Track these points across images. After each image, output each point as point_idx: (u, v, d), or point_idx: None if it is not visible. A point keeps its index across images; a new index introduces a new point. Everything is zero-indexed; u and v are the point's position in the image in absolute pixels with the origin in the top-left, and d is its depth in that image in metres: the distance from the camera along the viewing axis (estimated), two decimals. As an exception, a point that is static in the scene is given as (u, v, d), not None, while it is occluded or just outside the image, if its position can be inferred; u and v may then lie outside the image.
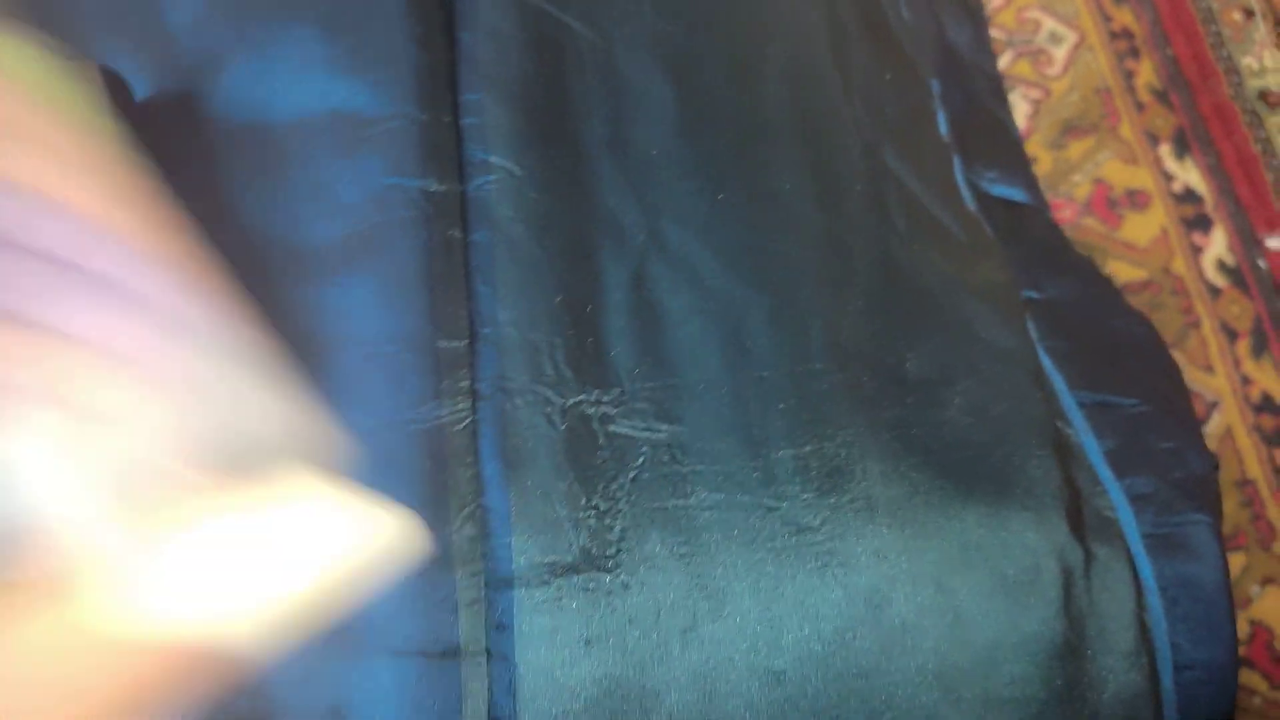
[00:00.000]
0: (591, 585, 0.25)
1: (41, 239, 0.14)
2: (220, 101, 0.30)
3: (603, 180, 0.30)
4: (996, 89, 0.47)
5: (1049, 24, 0.78)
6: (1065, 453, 0.32)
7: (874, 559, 0.26)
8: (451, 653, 0.24)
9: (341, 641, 0.24)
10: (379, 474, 0.26)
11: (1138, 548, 0.33)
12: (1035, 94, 0.75)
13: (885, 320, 0.30)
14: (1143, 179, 0.73)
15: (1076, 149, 0.75)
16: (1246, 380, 0.69)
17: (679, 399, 0.27)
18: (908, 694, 0.26)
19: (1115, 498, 0.33)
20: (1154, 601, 0.32)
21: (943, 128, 0.39)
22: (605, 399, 0.27)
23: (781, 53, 0.33)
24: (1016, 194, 0.42)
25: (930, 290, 0.31)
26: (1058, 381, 0.35)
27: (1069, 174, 0.75)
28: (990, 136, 0.43)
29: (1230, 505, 0.62)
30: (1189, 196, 0.73)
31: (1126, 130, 0.74)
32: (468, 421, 0.26)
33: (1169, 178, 0.74)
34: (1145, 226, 0.72)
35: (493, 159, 0.29)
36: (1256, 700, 0.61)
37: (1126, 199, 0.73)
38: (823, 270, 0.30)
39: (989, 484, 0.28)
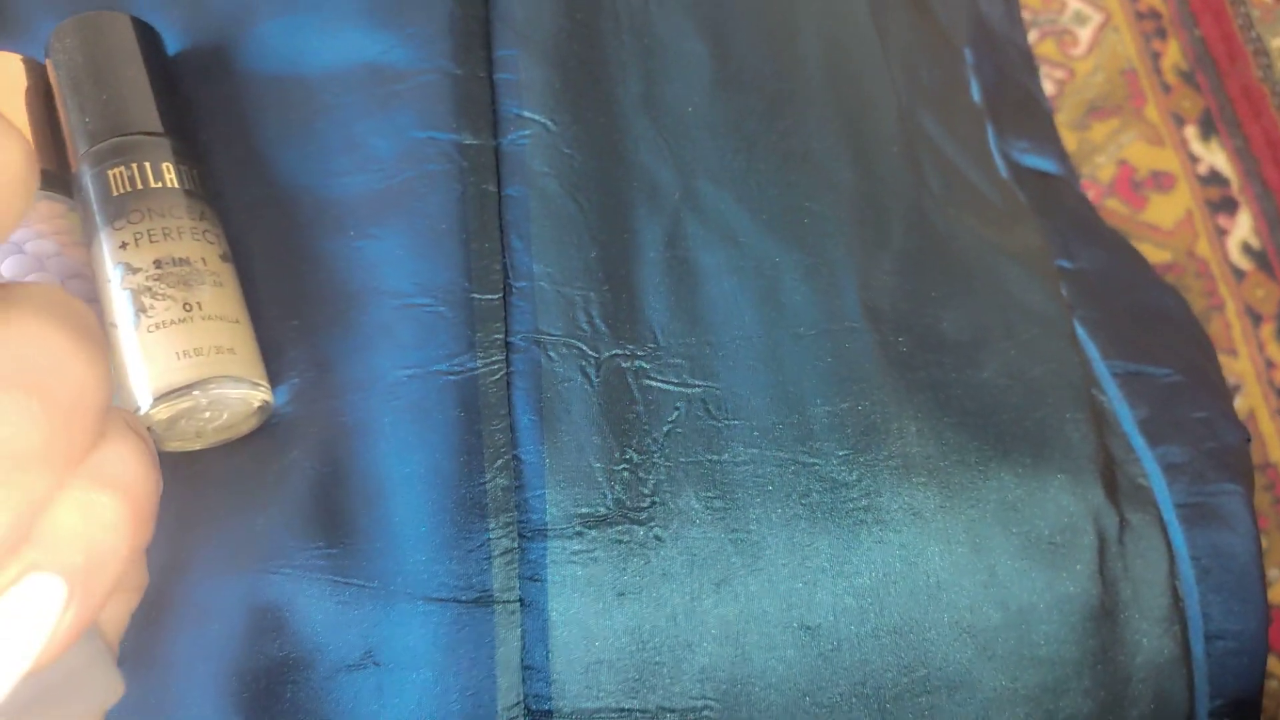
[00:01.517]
0: (625, 537, 0.25)
1: None
2: (252, 54, 0.30)
3: (637, 138, 0.29)
4: (1028, 62, 0.47)
5: (1074, 4, 0.77)
6: (1100, 419, 0.32)
7: (909, 516, 0.26)
8: (485, 600, 0.24)
9: (375, 588, 0.24)
10: (412, 423, 0.26)
11: (1170, 516, 0.32)
12: (1060, 74, 0.75)
13: (921, 281, 0.29)
14: (1168, 161, 0.73)
15: (1101, 130, 0.74)
16: (1270, 364, 0.68)
17: (714, 355, 0.27)
18: (941, 650, 0.26)
19: (1148, 466, 0.33)
20: (1186, 570, 0.32)
21: (976, 96, 0.39)
22: (640, 353, 0.27)
23: (818, 13, 0.32)
24: (1048, 165, 0.42)
25: (966, 252, 0.31)
26: (1090, 350, 0.34)
27: (1093, 155, 0.74)
28: (1022, 108, 0.42)
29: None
30: (1215, 179, 0.72)
31: (1152, 111, 0.74)
32: (501, 374, 0.26)
33: (1194, 160, 0.73)
34: (1170, 209, 0.71)
35: (527, 114, 0.29)
36: (1273, 683, 0.61)
37: (1151, 181, 0.73)
38: (857, 230, 0.29)
39: (1026, 445, 0.28)
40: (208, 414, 0.26)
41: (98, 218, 0.26)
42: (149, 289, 0.25)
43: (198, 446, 0.26)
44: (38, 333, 0.14)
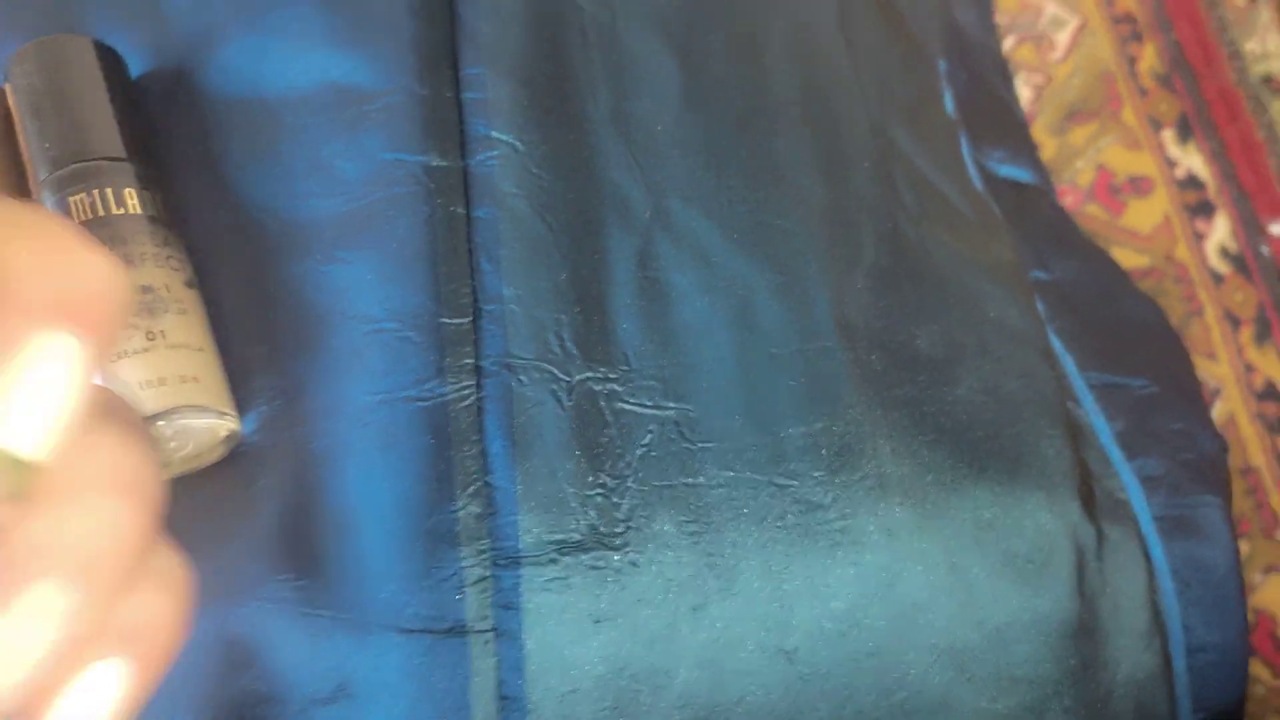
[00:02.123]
0: (600, 563, 0.25)
1: None
2: (217, 77, 0.30)
3: (607, 156, 0.29)
4: (1002, 70, 0.47)
5: (1051, 9, 0.77)
6: (1076, 433, 0.32)
7: (885, 537, 0.26)
8: (459, 630, 0.24)
9: (346, 620, 0.24)
10: (382, 450, 0.25)
11: (1149, 529, 0.32)
12: (1038, 79, 0.75)
13: (894, 297, 0.29)
14: (1145, 165, 0.73)
15: (1079, 134, 0.74)
16: (1249, 368, 0.68)
17: (687, 376, 0.27)
18: (920, 672, 0.25)
19: (1126, 479, 0.33)
20: (1165, 584, 0.32)
21: (949, 107, 0.39)
22: (612, 376, 0.27)
23: (787, 28, 0.32)
24: (1023, 175, 0.42)
25: (940, 268, 0.30)
26: (1067, 362, 0.34)
27: (1072, 159, 0.74)
28: (997, 117, 0.42)
29: (1233, 493, 0.61)
30: (1192, 183, 0.72)
31: (1129, 116, 0.74)
32: (472, 399, 0.26)
33: (1172, 164, 0.73)
34: (1148, 213, 0.71)
35: (495, 134, 0.28)
36: (1259, 689, 0.61)
37: (1129, 185, 0.73)
38: (830, 247, 0.29)
39: (1002, 462, 0.28)
40: (173, 444, 0.25)
41: None
42: None
43: (164, 477, 0.26)
44: None
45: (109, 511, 0.15)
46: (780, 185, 0.29)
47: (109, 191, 0.27)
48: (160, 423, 0.24)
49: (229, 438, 0.26)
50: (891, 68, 0.34)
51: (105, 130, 0.28)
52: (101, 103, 0.28)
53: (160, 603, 0.16)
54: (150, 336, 0.25)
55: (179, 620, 0.17)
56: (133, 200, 0.27)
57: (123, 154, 0.27)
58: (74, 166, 0.27)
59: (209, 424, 0.25)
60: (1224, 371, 0.67)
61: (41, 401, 0.14)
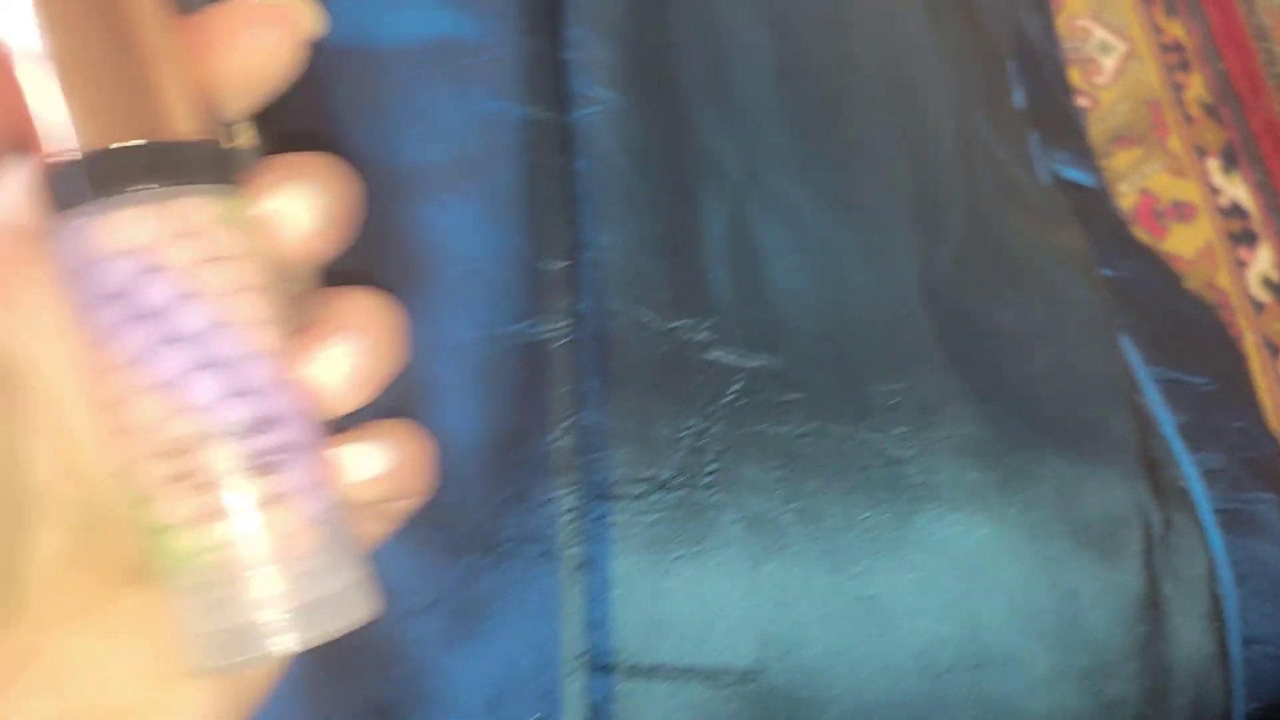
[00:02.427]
0: (687, 501, 0.26)
1: (178, 327, 0.17)
2: (327, 26, 0.31)
3: (702, 121, 0.30)
4: (1063, 79, 0.48)
5: (1099, 33, 0.78)
6: (1142, 421, 0.32)
7: (966, 495, 0.27)
8: (548, 556, 0.25)
9: (441, 539, 0.25)
10: (480, 385, 0.26)
11: (1208, 520, 0.33)
12: (1084, 103, 0.76)
13: (975, 273, 0.30)
14: (1189, 192, 0.74)
15: (1123, 159, 0.75)
16: (1288, 395, 0.68)
17: (775, 330, 0.28)
18: (994, 627, 0.26)
19: (1188, 470, 0.33)
20: (1224, 573, 0.32)
21: (1019, 105, 0.40)
22: (703, 325, 0.27)
23: (876, 11, 0.33)
24: (1086, 178, 0.43)
25: (1017, 249, 0.31)
26: (1131, 355, 0.35)
27: (1115, 184, 0.75)
28: (1060, 122, 0.43)
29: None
30: (1236, 211, 0.73)
31: (1175, 143, 0.75)
32: (567, 340, 0.27)
33: (1216, 191, 0.74)
34: (1190, 239, 0.72)
35: (596, 91, 0.29)
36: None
37: (1173, 211, 0.73)
38: (916, 220, 0.30)
39: (1077, 436, 0.28)
40: None
41: None
42: None
43: None
44: None
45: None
46: (868, 158, 0.30)
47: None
48: None
49: None
50: (971, 59, 0.35)
51: None
52: None
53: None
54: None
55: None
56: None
57: None
58: None
59: None
60: (1263, 399, 0.67)
61: None
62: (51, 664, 0.17)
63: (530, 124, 0.29)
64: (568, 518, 0.25)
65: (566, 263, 0.28)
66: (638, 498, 0.25)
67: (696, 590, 0.25)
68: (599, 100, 0.29)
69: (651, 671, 0.25)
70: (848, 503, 0.26)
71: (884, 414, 0.27)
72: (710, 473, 0.26)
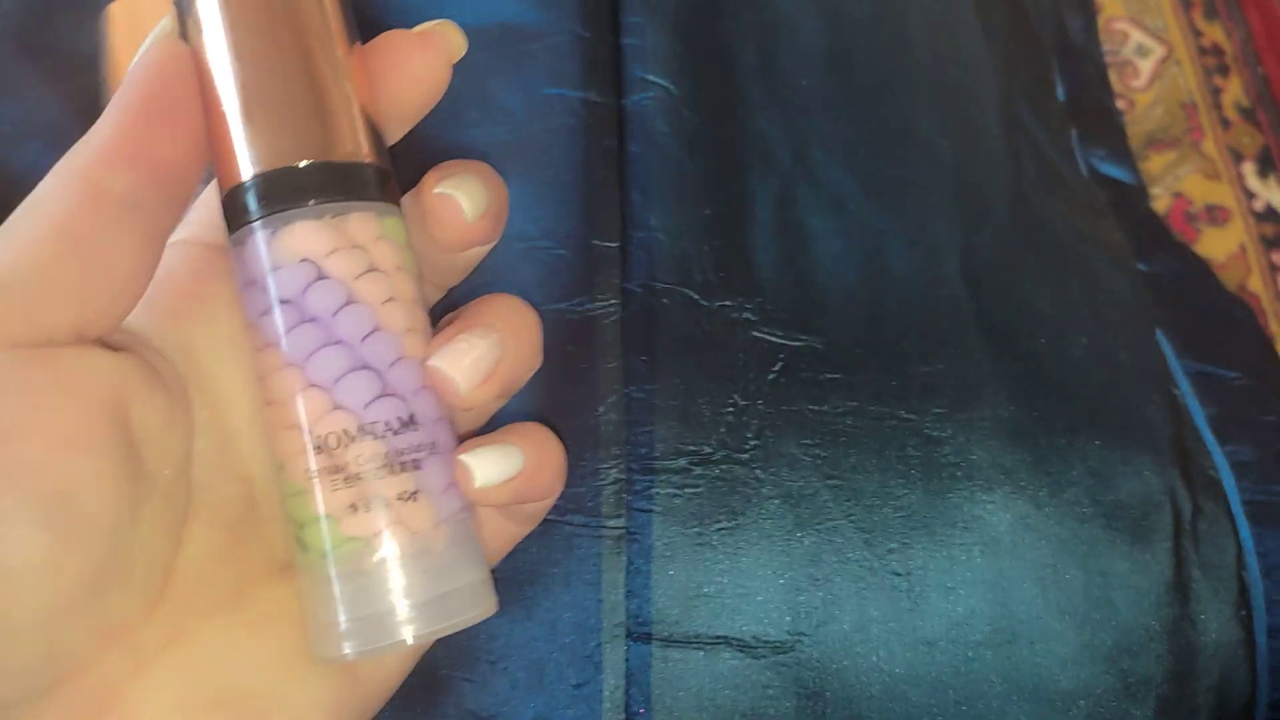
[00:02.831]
0: (728, 475, 0.26)
1: (340, 332, 0.19)
2: (393, 11, 0.32)
3: (753, 105, 0.31)
4: (1104, 78, 0.48)
5: (1137, 36, 0.78)
6: (1175, 410, 0.33)
7: (1000, 474, 0.27)
8: (595, 525, 0.26)
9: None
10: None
11: (1238, 511, 0.33)
12: (1120, 105, 0.76)
13: (1017, 258, 0.31)
14: (1223, 195, 0.73)
15: (1158, 162, 0.75)
16: (1318, 400, 0.68)
17: (818, 312, 0.28)
18: (1025, 603, 0.27)
19: (1219, 460, 0.34)
20: (1252, 563, 0.33)
21: (1061, 98, 0.40)
22: (748, 305, 0.28)
23: (927, 1, 0.34)
24: (1124, 175, 0.43)
25: (1059, 237, 0.32)
26: (1165, 348, 0.35)
27: (1149, 186, 0.75)
28: (1100, 119, 0.44)
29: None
30: (1270, 215, 0.73)
31: (1210, 146, 0.75)
32: (616, 316, 0.28)
33: (1250, 195, 0.74)
34: (1223, 242, 0.72)
35: (651, 78, 0.30)
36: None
37: (1206, 214, 0.73)
38: (960, 206, 0.31)
39: (1113, 421, 0.29)
40: None
41: None
42: None
43: None
44: None
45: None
46: (915, 145, 0.31)
47: None
48: None
49: None
50: (1017, 51, 0.36)
51: None
52: None
53: None
54: None
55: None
56: None
57: None
58: None
59: None
60: (1293, 401, 0.67)
61: None
62: (191, 649, 0.19)
63: (587, 107, 0.30)
64: (613, 489, 0.26)
65: (618, 242, 0.28)
66: (681, 471, 0.26)
67: (734, 563, 0.26)
68: (654, 86, 0.30)
69: (688, 641, 0.25)
70: (884, 480, 0.27)
71: (922, 395, 0.28)
72: (751, 448, 0.27)
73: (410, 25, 0.32)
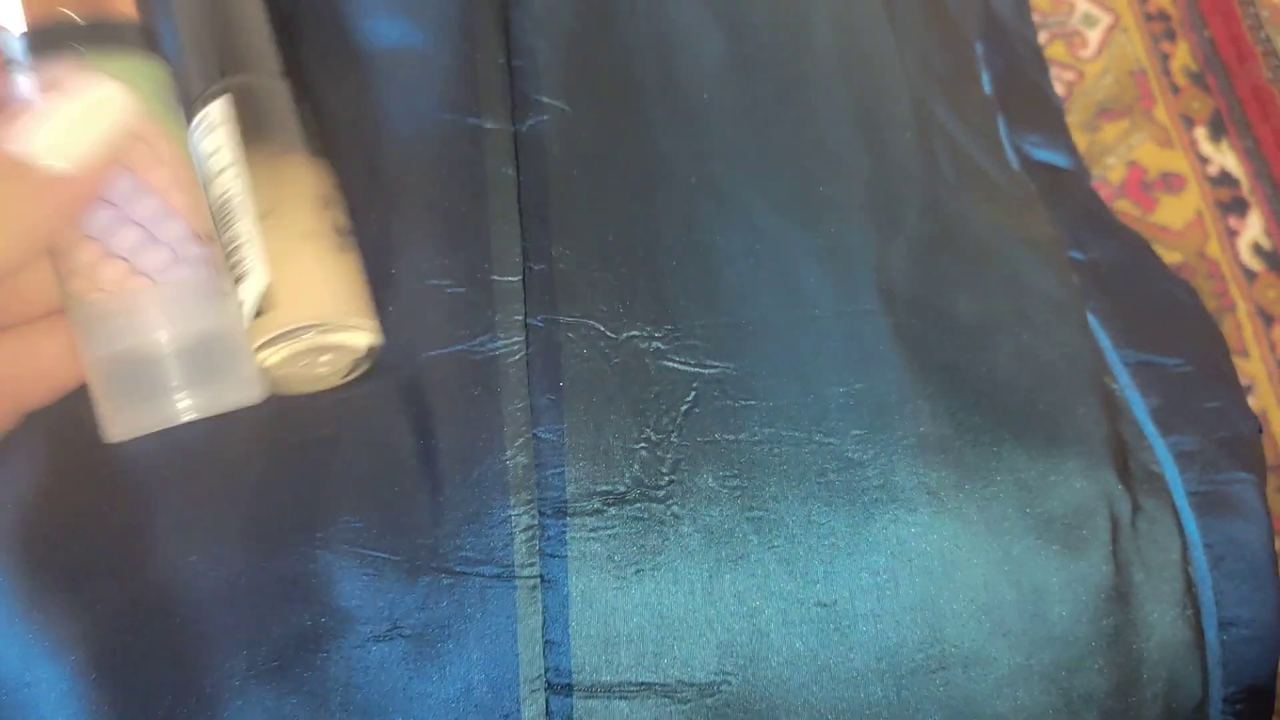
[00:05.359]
0: (643, 515, 0.26)
1: (134, 211, 0.23)
2: (307, 12, 0.31)
3: (653, 123, 0.30)
4: (1037, 58, 0.47)
5: (1083, 6, 0.77)
6: (1112, 406, 0.32)
7: (924, 495, 0.26)
8: (507, 576, 0.25)
9: (399, 561, 0.25)
10: (435, 401, 0.26)
11: (1183, 503, 0.33)
12: (1069, 76, 0.75)
13: (935, 265, 0.30)
14: (1177, 162, 0.73)
15: (1110, 131, 0.74)
16: (1281, 364, 0.68)
17: (730, 336, 0.27)
18: (956, 627, 0.26)
19: (1160, 454, 0.33)
20: (1198, 556, 0.32)
21: (987, 88, 0.39)
22: (657, 334, 0.27)
23: (833, 2, 0.33)
24: (1059, 159, 0.42)
25: (979, 238, 0.31)
26: (1102, 339, 0.35)
27: (1103, 156, 0.74)
28: (1033, 102, 0.43)
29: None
30: (1225, 180, 0.72)
31: (1161, 113, 0.74)
32: (521, 354, 0.27)
33: (1204, 160, 0.73)
34: (1180, 210, 0.71)
35: (545, 99, 0.29)
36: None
37: (1161, 182, 0.73)
38: (872, 214, 0.30)
39: (1040, 427, 0.28)
40: (324, 358, 0.26)
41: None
42: None
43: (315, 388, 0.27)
44: None
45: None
46: (823, 153, 0.30)
47: None
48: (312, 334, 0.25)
49: (369, 352, 0.27)
50: (931, 45, 0.35)
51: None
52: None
53: None
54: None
55: None
56: None
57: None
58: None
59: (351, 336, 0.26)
60: (1256, 369, 0.67)
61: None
62: None
63: (480, 133, 0.29)
64: (524, 536, 0.25)
65: (519, 276, 0.27)
66: (594, 513, 0.25)
67: (655, 605, 0.25)
68: (549, 108, 0.29)
69: (610, 689, 0.25)
70: (805, 508, 0.26)
71: (840, 416, 0.27)
72: (666, 484, 0.26)
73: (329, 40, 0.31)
